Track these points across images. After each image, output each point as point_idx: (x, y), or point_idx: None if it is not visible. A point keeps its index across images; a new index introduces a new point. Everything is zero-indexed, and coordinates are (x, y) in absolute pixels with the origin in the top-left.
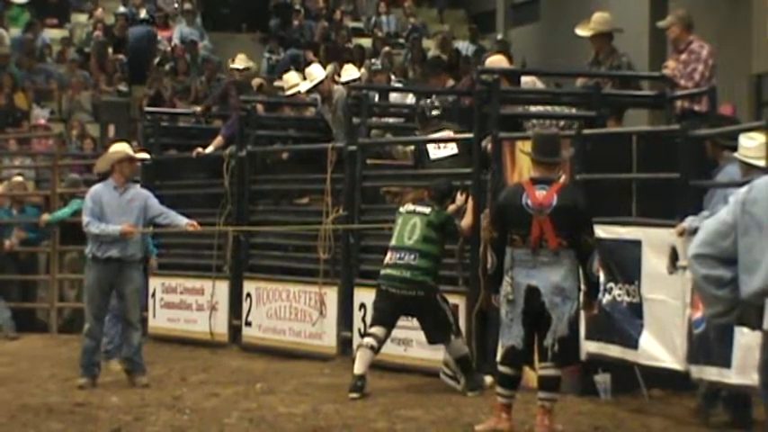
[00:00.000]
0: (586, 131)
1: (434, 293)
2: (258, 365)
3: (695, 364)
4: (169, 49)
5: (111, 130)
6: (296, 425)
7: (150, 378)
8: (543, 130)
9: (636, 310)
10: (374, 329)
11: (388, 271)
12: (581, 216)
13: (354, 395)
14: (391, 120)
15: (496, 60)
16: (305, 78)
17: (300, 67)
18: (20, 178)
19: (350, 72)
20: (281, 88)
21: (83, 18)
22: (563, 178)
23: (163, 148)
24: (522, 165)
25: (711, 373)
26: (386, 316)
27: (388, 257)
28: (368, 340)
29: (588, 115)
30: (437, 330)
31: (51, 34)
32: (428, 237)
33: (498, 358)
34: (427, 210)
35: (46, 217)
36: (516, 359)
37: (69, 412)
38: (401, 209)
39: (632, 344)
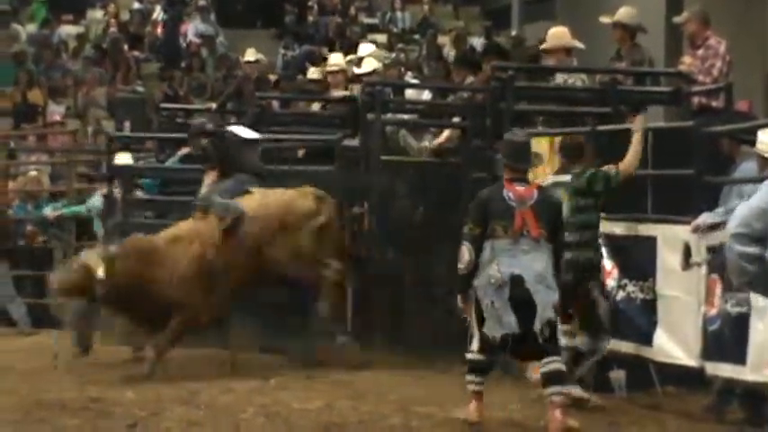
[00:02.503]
0: (602, 128)
1: (589, 279)
2: (273, 361)
3: (709, 360)
4: (184, 45)
5: (127, 126)
6: (310, 420)
7: (165, 373)
8: (514, 136)
9: (650, 306)
10: (563, 327)
11: None
12: (559, 214)
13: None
14: (406, 116)
15: (560, 33)
16: (349, 62)
17: (316, 62)
18: (34, 173)
19: (369, 63)
20: (299, 83)
21: (98, 14)
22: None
23: (177, 145)
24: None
25: (726, 370)
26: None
27: None
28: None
29: (604, 112)
30: (586, 320)
31: (67, 30)
32: (578, 206)
33: (476, 348)
34: (568, 177)
35: (50, 212)
36: (508, 345)
37: (84, 408)
38: (543, 184)
39: (647, 341)
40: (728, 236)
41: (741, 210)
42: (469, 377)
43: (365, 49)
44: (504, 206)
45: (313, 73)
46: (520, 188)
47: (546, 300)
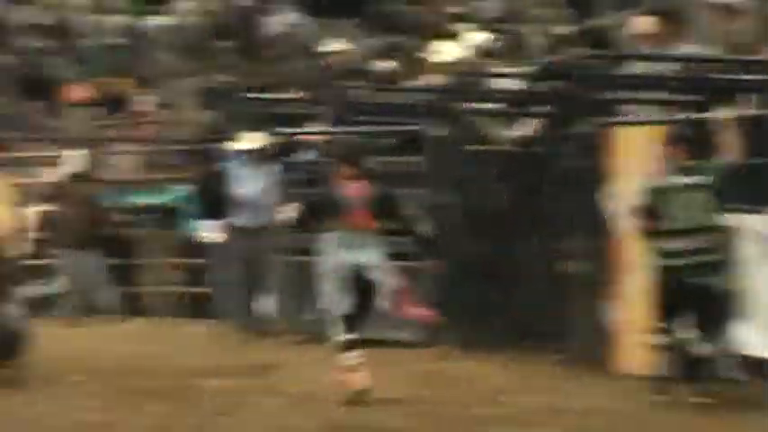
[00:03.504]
0: (695, 116)
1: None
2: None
3: None
4: (270, 35)
5: (217, 117)
6: (398, 409)
7: (249, 364)
8: (348, 139)
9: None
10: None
11: (696, 258)
12: (393, 202)
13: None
14: (491, 105)
15: (647, 21)
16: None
17: (399, 52)
18: (122, 162)
19: (452, 52)
20: (380, 73)
21: (188, 5)
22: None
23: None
24: (632, 154)
25: None
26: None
27: (684, 244)
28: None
29: (695, 100)
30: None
31: (157, 21)
32: (715, 207)
33: (335, 330)
34: (702, 179)
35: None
36: (353, 324)
37: (171, 395)
38: (661, 185)
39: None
40: None
41: None
42: (348, 354)
43: (478, 38)
44: (342, 203)
45: (386, 63)
46: (354, 186)
47: (385, 282)
